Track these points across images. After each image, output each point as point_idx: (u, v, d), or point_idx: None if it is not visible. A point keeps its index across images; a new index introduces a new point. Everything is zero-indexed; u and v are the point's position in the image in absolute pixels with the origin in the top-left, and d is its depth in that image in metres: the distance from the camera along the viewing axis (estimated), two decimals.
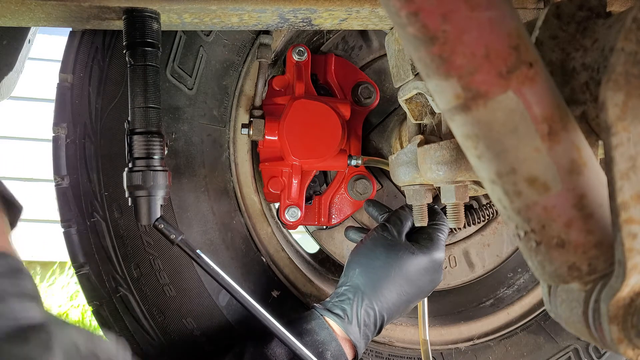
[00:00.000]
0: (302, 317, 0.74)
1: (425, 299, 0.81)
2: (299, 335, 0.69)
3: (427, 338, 0.81)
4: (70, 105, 0.78)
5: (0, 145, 2.30)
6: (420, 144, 0.67)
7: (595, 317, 0.39)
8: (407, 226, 0.78)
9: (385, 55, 0.96)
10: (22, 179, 2.30)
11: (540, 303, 0.97)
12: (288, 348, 0.67)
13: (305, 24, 0.71)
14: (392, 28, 0.73)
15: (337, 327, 0.73)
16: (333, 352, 0.70)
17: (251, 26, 0.72)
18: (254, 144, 0.90)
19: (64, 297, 1.95)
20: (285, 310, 0.88)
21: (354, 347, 0.73)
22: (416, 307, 0.82)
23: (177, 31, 0.80)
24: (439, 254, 0.76)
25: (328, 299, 0.77)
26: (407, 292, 0.75)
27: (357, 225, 0.97)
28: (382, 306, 0.73)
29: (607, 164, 0.36)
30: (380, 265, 0.74)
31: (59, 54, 0.79)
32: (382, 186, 0.98)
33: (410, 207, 0.79)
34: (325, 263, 1.02)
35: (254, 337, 0.74)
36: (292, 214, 0.89)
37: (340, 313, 0.73)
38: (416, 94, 0.70)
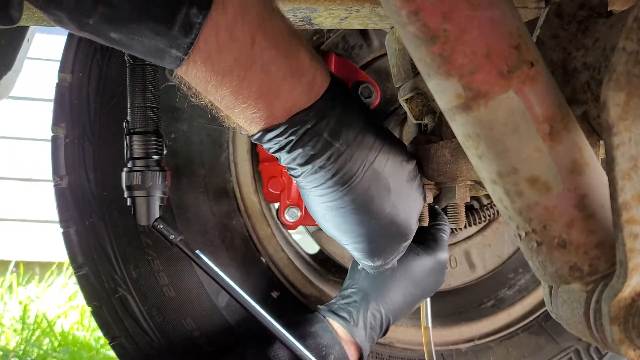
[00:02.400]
0: (306, 319, 0.73)
1: (428, 299, 0.81)
2: (302, 338, 0.69)
3: (431, 339, 0.81)
4: (69, 105, 0.78)
5: None
6: (420, 144, 0.67)
7: (596, 317, 0.39)
8: None
9: (385, 54, 0.96)
10: (21, 179, 2.30)
11: (542, 304, 0.97)
12: (290, 351, 0.67)
13: (305, 23, 0.71)
14: (392, 27, 0.73)
15: (342, 330, 0.72)
16: (336, 356, 0.70)
17: None
18: (254, 144, 0.90)
19: (63, 297, 1.95)
20: (285, 311, 0.87)
21: (359, 350, 0.73)
22: (418, 308, 0.82)
23: None
24: (443, 255, 0.76)
25: (333, 301, 0.77)
26: (413, 293, 0.75)
27: None
28: (388, 308, 0.74)
29: (609, 164, 0.36)
30: None
31: (58, 54, 0.79)
32: None
33: None
34: (326, 264, 1.02)
35: (256, 339, 0.73)
36: (292, 215, 0.89)
37: (346, 316, 0.73)
38: (417, 94, 0.69)
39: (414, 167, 0.61)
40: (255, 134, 0.54)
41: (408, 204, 0.60)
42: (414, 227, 0.63)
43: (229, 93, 0.49)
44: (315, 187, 0.56)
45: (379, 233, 0.60)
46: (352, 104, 0.55)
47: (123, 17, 0.43)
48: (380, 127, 0.59)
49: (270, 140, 0.54)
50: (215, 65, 0.47)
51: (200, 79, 0.48)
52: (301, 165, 0.55)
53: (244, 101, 0.50)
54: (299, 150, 0.54)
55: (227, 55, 0.46)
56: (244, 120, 0.53)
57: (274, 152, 0.56)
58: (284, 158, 0.56)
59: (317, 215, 0.60)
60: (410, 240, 0.64)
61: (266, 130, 0.53)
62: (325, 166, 0.54)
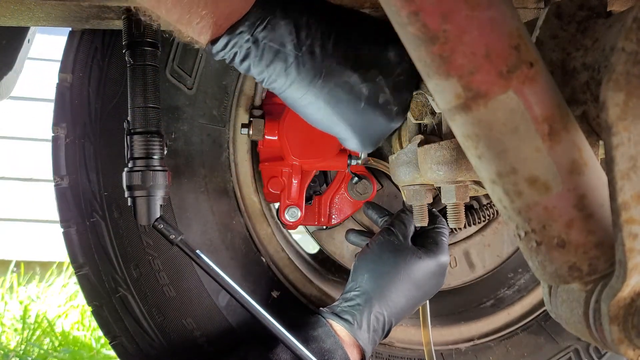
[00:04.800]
0: (308, 323, 0.73)
1: (427, 301, 0.81)
2: (305, 341, 0.69)
3: (431, 339, 0.81)
4: (69, 105, 0.78)
5: (0, 145, 2.30)
6: (420, 144, 0.67)
7: (595, 317, 0.39)
8: (411, 230, 0.79)
9: None
10: (21, 179, 2.30)
11: (541, 303, 0.97)
12: (293, 353, 0.67)
13: None
14: None
15: (345, 333, 0.72)
16: None
17: None
18: (254, 144, 0.90)
19: (63, 297, 1.95)
20: (285, 310, 0.87)
21: (362, 352, 0.73)
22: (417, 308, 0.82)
23: None
24: (445, 258, 0.77)
25: (336, 304, 0.77)
26: (415, 296, 0.75)
27: (357, 226, 0.97)
28: (390, 311, 0.74)
29: (608, 164, 0.36)
30: (388, 271, 0.74)
31: (59, 54, 0.79)
32: (382, 186, 0.98)
33: (410, 210, 0.79)
34: (326, 263, 1.02)
35: (257, 340, 0.73)
36: (292, 214, 0.89)
37: (350, 318, 0.73)
38: (416, 94, 0.70)
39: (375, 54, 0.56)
40: (205, 47, 0.53)
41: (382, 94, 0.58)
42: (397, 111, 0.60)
43: (172, 4, 0.48)
44: (283, 91, 0.55)
45: (363, 120, 0.58)
46: (292, 2, 0.52)
47: None
48: (330, 20, 0.54)
49: (217, 53, 0.52)
50: None
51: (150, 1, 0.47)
52: (258, 74, 0.54)
53: (187, 11, 0.49)
54: (247, 62, 0.53)
55: None
56: (192, 31, 0.51)
57: (229, 63, 0.55)
58: (238, 68, 0.55)
59: (303, 116, 0.60)
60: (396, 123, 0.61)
61: (211, 43, 0.52)
62: (281, 72, 0.53)
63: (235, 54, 0.52)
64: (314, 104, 0.56)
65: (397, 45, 0.55)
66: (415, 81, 0.60)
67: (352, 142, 0.62)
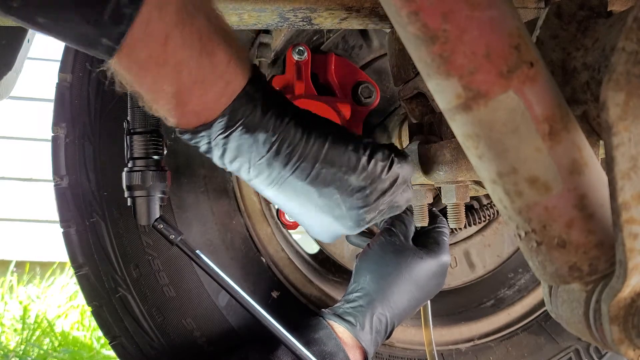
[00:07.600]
0: (309, 325, 0.73)
1: (429, 301, 0.81)
2: (306, 344, 0.69)
3: (432, 339, 0.81)
4: (69, 105, 0.78)
5: (0, 145, 2.29)
6: (420, 144, 0.67)
7: (596, 317, 0.39)
8: (412, 230, 0.78)
9: (385, 54, 0.96)
10: (21, 179, 2.30)
11: (541, 303, 0.97)
12: (295, 356, 0.67)
13: (305, 23, 0.71)
14: (392, 27, 0.73)
15: (348, 335, 0.72)
16: None
17: (251, 25, 0.72)
18: None
19: (63, 297, 1.95)
20: (285, 311, 0.87)
21: (365, 354, 0.73)
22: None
23: None
24: (446, 258, 0.77)
25: (338, 305, 0.76)
26: (417, 297, 0.75)
27: None
28: (393, 312, 0.74)
29: (608, 164, 0.36)
30: (390, 271, 0.74)
31: (58, 54, 0.79)
32: None
33: (410, 210, 0.79)
34: (325, 263, 1.02)
35: (257, 340, 0.73)
36: None
37: (352, 320, 0.73)
38: (417, 94, 0.70)
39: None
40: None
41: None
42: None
43: (146, 87, 0.49)
44: (243, 178, 0.57)
45: (320, 222, 0.59)
46: (255, 119, 0.52)
47: (49, 1, 0.42)
48: (297, 137, 0.53)
49: (182, 138, 0.55)
50: (131, 56, 0.46)
51: (122, 69, 0.48)
52: (219, 164, 0.56)
53: (159, 97, 0.50)
54: (209, 154, 0.55)
55: (142, 49, 0.45)
56: (162, 112, 0.52)
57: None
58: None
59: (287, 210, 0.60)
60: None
61: (178, 131, 0.54)
62: (240, 169, 0.55)
63: (198, 146, 0.54)
64: (271, 197, 0.58)
65: (363, 170, 0.55)
66: (375, 201, 0.57)
67: (311, 233, 0.63)
